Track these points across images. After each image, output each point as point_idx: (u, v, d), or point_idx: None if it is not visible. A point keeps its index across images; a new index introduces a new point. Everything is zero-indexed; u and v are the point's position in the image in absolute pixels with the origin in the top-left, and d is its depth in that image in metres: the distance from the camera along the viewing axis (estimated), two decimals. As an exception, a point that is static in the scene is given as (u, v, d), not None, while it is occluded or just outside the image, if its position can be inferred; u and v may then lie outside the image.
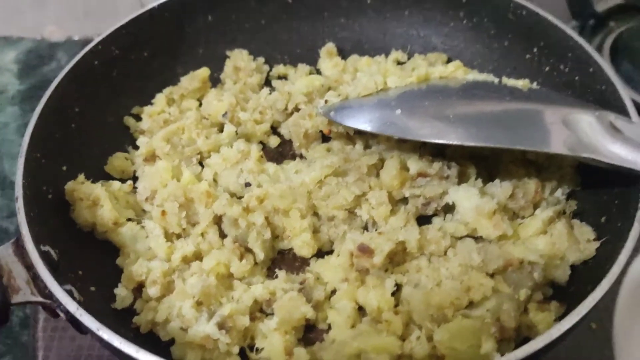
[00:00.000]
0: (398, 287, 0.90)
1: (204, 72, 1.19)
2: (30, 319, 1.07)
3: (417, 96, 1.02)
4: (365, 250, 0.87)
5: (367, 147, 1.07)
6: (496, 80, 1.06)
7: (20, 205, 0.85)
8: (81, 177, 0.99)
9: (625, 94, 0.95)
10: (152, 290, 0.88)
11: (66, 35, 1.78)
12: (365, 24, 1.29)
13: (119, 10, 1.85)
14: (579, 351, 0.97)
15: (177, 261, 0.92)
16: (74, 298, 0.77)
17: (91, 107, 1.08)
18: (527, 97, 0.99)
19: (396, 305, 0.87)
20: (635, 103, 1.20)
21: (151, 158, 1.06)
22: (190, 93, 1.18)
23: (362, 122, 0.98)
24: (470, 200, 0.91)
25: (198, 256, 0.94)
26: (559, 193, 0.97)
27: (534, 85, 1.05)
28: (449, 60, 1.22)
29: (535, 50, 1.11)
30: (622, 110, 0.93)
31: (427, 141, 0.92)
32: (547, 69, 1.09)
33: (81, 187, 0.96)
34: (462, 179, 0.98)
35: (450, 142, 0.89)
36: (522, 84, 1.04)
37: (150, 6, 1.17)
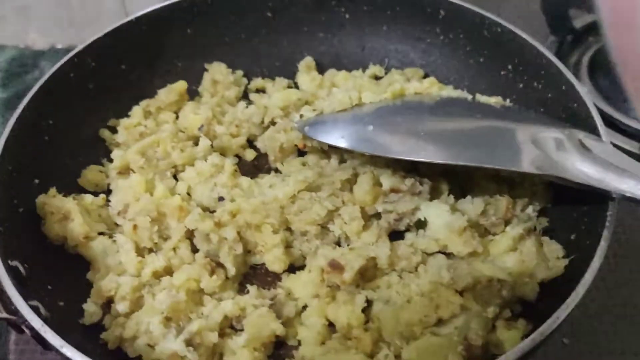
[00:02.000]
0: (369, 303, 0.90)
1: (181, 85, 1.18)
2: (2, 332, 1.07)
3: (390, 112, 1.03)
4: (335, 267, 0.87)
5: (342, 161, 1.07)
6: (470, 97, 1.07)
7: (-11, 220, 0.85)
8: (52, 190, 0.98)
9: (595, 111, 0.96)
10: (120, 306, 0.87)
11: (50, 44, 1.77)
12: (343, 39, 1.29)
13: (103, 18, 1.84)
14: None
15: (147, 276, 0.91)
16: (40, 314, 0.77)
17: (66, 120, 1.08)
18: (499, 115, 0.99)
19: (367, 322, 0.87)
20: (612, 119, 1.23)
21: (125, 171, 1.06)
22: (167, 106, 1.18)
23: (335, 138, 0.99)
24: (441, 217, 0.91)
25: (169, 271, 0.94)
26: (530, 210, 0.97)
27: (507, 102, 1.06)
28: (425, 76, 1.23)
29: (509, 67, 1.12)
30: (592, 127, 0.94)
31: (399, 158, 0.93)
32: (521, 85, 1.10)
33: (52, 201, 0.96)
34: (434, 194, 0.98)
35: (421, 160, 0.89)
36: (494, 101, 1.05)
37: (127, 19, 1.17)
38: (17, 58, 1.69)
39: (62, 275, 0.92)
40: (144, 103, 1.18)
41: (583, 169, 0.84)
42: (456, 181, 1.01)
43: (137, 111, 1.16)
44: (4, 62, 1.65)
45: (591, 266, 0.77)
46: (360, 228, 0.95)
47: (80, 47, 1.11)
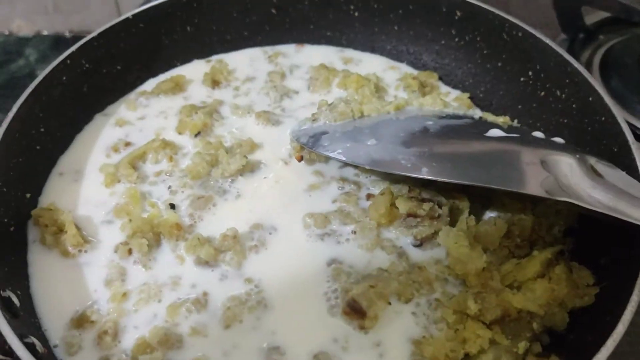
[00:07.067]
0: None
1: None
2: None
3: (392, 127, 0.95)
4: (357, 310, 0.81)
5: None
6: (476, 115, 1.01)
7: (-19, 245, 0.79)
8: (51, 204, 0.92)
9: (626, 126, 0.90)
10: (107, 338, 0.81)
11: (35, 30, 1.71)
12: (352, 38, 1.23)
13: (91, 5, 1.78)
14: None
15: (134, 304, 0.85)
16: (35, 352, 0.71)
17: (58, 127, 1.01)
18: (506, 135, 0.92)
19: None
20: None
21: (112, 182, 0.99)
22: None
23: (334, 151, 0.92)
24: (460, 251, 0.84)
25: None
26: (556, 230, 0.91)
27: (515, 122, 1.01)
28: (439, 79, 1.17)
29: (530, 73, 1.07)
30: (622, 143, 0.88)
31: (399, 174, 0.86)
32: (542, 93, 1.05)
33: (47, 214, 0.90)
34: (454, 213, 0.92)
35: (423, 177, 0.83)
36: (502, 120, 0.99)
37: (124, 16, 1.09)
38: (2, 46, 1.64)
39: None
40: (140, 107, 1.11)
41: (595, 195, 0.78)
42: (477, 197, 0.95)
43: (133, 116, 1.09)
44: (-13, 50, 1.58)
45: (630, 301, 0.72)
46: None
47: (73, 48, 1.04)
